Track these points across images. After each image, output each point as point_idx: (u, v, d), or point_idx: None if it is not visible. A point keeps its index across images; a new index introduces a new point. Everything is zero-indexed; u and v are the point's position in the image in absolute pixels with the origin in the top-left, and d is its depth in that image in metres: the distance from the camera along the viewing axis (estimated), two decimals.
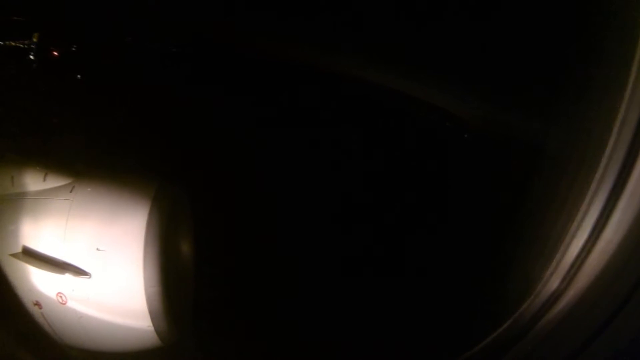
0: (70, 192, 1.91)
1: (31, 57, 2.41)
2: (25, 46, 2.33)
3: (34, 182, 2.00)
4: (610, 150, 1.11)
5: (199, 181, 2.01)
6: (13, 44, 2.24)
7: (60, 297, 1.81)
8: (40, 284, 1.86)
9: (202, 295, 1.83)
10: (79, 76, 2.36)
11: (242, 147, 2.17)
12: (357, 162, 2.26)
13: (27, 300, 1.91)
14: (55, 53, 2.52)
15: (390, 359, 1.83)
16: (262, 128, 2.20)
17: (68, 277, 1.78)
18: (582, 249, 1.17)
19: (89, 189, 1.91)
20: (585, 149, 1.30)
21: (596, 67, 1.39)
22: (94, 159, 2.00)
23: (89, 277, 1.75)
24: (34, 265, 1.86)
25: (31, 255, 1.87)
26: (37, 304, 1.88)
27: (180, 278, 1.85)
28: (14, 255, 1.87)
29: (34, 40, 2.41)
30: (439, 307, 1.84)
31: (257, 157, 2.19)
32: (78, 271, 1.76)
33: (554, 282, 1.25)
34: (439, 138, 2.25)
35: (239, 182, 2.07)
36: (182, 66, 2.35)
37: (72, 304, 1.80)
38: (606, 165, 1.12)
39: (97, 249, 1.77)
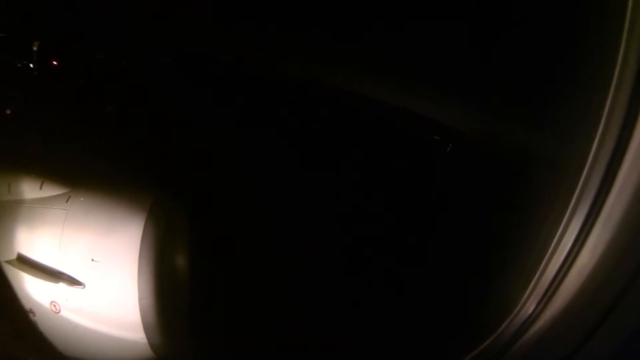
0: (67, 201, 1.93)
1: (30, 65, 2.44)
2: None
3: (30, 190, 2.02)
4: (586, 174, 1.14)
5: (196, 194, 2.04)
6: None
7: (54, 305, 1.83)
8: (34, 292, 1.89)
9: (198, 309, 1.86)
10: (79, 86, 2.38)
11: (240, 158, 2.20)
12: (346, 173, 2.29)
13: (21, 307, 1.93)
14: (55, 62, 2.54)
15: None
16: (258, 139, 2.24)
17: (62, 286, 1.80)
18: (558, 272, 1.20)
19: (84, 199, 1.94)
20: (563, 173, 1.33)
21: (579, 73, 1.41)
22: (91, 169, 2.03)
23: (83, 287, 1.78)
24: (28, 273, 1.89)
25: (26, 263, 1.89)
26: (30, 311, 1.90)
27: (174, 291, 1.87)
28: (9, 262, 1.90)
29: (34, 49, 2.44)
30: (417, 328, 1.88)
31: (254, 168, 2.23)
32: (72, 281, 1.79)
33: (531, 305, 1.28)
34: (425, 150, 2.29)
35: (237, 195, 2.10)
36: (185, 77, 2.38)
37: (65, 313, 1.82)
38: (582, 189, 1.15)
39: (92, 260, 1.80)
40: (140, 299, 1.74)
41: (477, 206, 1.97)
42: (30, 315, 1.89)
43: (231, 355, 1.85)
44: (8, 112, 2.29)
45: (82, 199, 1.93)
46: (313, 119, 2.28)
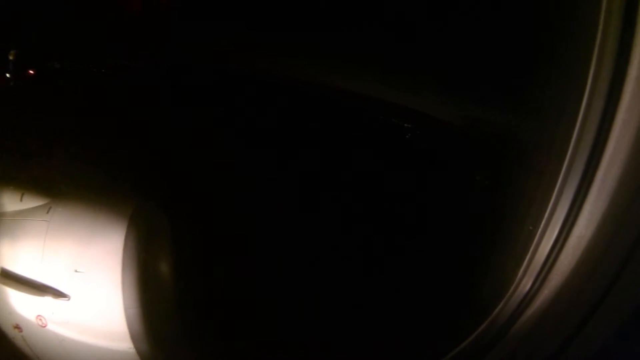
0: (47, 212, 1.89)
1: (7, 75, 2.39)
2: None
3: (10, 202, 1.98)
4: (575, 143, 1.10)
5: (177, 198, 1.99)
6: None
7: (40, 319, 1.79)
8: (20, 307, 1.84)
9: (186, 314, 1.81)
10: (56, 95, 2.33)
11: (222, 160, 2.16)
12: (338, 169, 2.25)
13: (7, 323, 1.89)
14: (32, 72, 2.50)
15: None
16: (241, 140, 2.19)
17: (47, 299, 1.76)
18: (553, 247, 1.16)
19: (65, 209, 1.89)
20: (551, 144, 1.30)
21: (558, 50, 1.39)
22: (71, 178, 1.98)
23: (68, 300, 1.73)
24: (12, 288, 1.85)
25: (10, 277, 1.85)
26: (17, 327, 1.86)
27: (161, 298, 1.83)
28: None
29: (10, 58, 2.39)
30: (413, 314, 1.84)
31: (237, 169, 2.18)
32: (57, 293, 1.75)
33: (526, 283, 1.24)
34: (414, 142, 2.25)
35: (219, 196, 2.05)
36: (162, 83, 2.34)
37: (52, 326, 1.78)
38: (572, 158, 1.11)
39: (76, 271, 1.75)
40: (126, 308, 1.70)
41: (462, 190, 1.93)
42: (17, 331, 1.85)
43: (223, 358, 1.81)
44: None
45: (63, 209, 1.88)
46: (299, 116, 2.25)
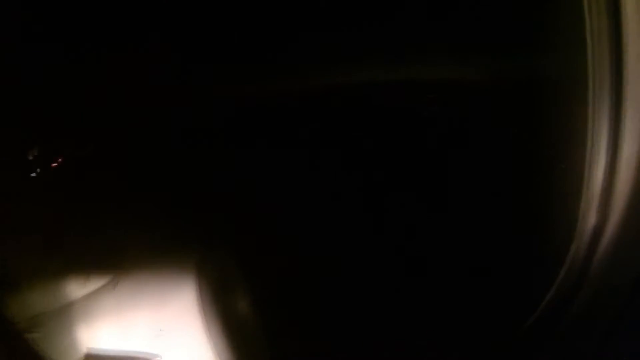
0: (115, 288, 1.96)
1: (32, 175, 2.45)
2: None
3: (77, 288, 2.04)
4: (592, 61, 1.12)
5: (238, 237, 2.07)
6: None
7: None
8: None
9: (278, 350, 1.86)
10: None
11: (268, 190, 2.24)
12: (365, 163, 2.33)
13: None
14: (55, 164, 2.55)
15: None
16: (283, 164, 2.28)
17: None
18: (605, 173, 1.17)
19: (131, 280, 1.96)
20: (572, 72, 1.28)
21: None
22: (130, 249, 2.05)
23: (161, 359, 1.78)
24: None
25: (96, 358, 1.89)
26: None
27: (248, 339, 1.87)
28: None
29: (30, 157, 2.45)
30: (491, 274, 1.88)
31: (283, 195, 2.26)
32: (148, 356, 1.79)
33: (591, 217, 1.24)
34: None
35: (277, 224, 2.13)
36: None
37: None
38: (595, 78, 1.13)
39: (160, 330, 1.81)
40: (216, 355, 1.74)
41: (501, 146, 1.99)
42: None
43: None
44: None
45: (130, 279, 1.95)
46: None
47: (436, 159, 2.17)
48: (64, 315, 1.98)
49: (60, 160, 2.41)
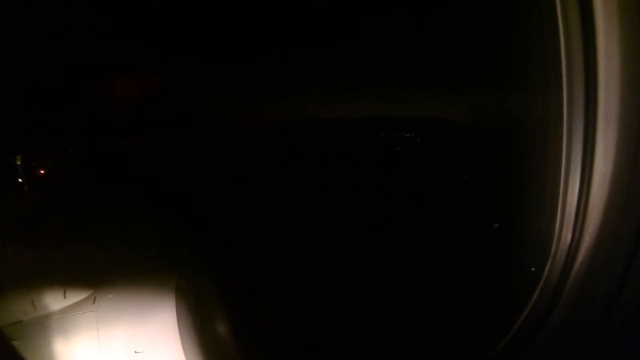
0: (94, 303, 1.95)
1: (19, 180, 2.47)
2: None
3: (55, 301, 2.03)
4: (567, 86, 1.18)
5: (214, 256, 2.08)
6: None
7: None
8: None
9: None
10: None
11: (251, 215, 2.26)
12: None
13: None
14: (42, 171, 2.59)
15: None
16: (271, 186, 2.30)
17: None
18: (580, 192, 1.21)
19: (110, 296, 1.96)
20: (548, 118, 1.35)
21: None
22: (109, 264, 2.05)
23: None
24: None
25: None
26: None
27: (225, 357, 1.89)
28: None
29: (18, 163, 2.47)
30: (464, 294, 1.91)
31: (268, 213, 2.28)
32: None
33: (566, 236, 1.29)
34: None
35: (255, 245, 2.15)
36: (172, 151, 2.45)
37: None
38: (570, 102, 1.18)
39: (135, 352, 1.81)
40: None
41: (480, 174, 2.02)
42: None
43: None
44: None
45: (109, 295, 1.95)
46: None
47: (414, 184, 2.19)
48: (42, 326, 1.98)
49: (43, 169, 2.41)
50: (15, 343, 1.91)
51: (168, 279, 1.91)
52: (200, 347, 1.79)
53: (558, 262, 1.32)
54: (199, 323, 1.85)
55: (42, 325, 2.02)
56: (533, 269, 1.43)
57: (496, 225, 1.98)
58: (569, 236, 1.27)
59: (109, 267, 2.04)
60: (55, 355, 1.98)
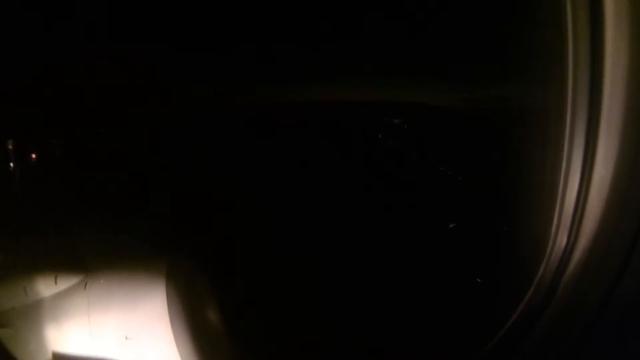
0: (85, 288, 1.95)
1: (11, 165, 2.42)
2: None
3: (46, 287, 2.02)
4: (571, 98, 1.14)
5: (207, 244, 2.07)
6: None
7: None
8: None
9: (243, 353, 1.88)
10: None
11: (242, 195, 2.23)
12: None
13: None
14: (34, 155, 2.54)
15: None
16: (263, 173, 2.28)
17: None
18: (578, 195, 1.18)
19: (102, 281, 1.95)
20: (549, 110, 1.32)
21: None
22: (100, 251, 2.04)
23: None
24: None
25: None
26: None
27: (215, 347, 1.88)
28: None
29: (10, 147, 2.42)
30: (455, 301, 1.90)
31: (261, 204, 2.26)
32: None
33: (562, 237, 1.26)
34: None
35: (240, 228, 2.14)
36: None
37: None
38: (574, 103, 1.14)
39: (126, 338, 1.81)
40: None
41: (477, 169, 2.00)
42: None
43: None
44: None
45: (100, 281, 1.94)
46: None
47: (408, 179, 2.17)
48: (33, 313, 1.97)
49: (32, 157, 2.38)
50: (7, 330, 1.90)
51: (159, 265, 1.90)
52: (191, 332, 1.78)
53: (552, 263, 1.30)
54: (189, 309, 1.84)
55: (34, 312, 2.01)
56: (527, 269, 1.42)
57: (489, 223, 1.96)
58: (565, 238, 1.25)
59: (99, 254, 2.03)
60: (46, 341, 1.97)
